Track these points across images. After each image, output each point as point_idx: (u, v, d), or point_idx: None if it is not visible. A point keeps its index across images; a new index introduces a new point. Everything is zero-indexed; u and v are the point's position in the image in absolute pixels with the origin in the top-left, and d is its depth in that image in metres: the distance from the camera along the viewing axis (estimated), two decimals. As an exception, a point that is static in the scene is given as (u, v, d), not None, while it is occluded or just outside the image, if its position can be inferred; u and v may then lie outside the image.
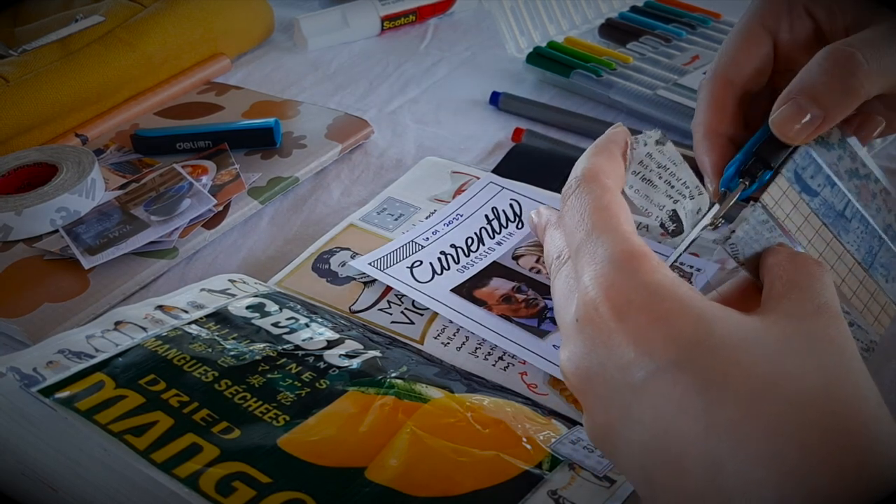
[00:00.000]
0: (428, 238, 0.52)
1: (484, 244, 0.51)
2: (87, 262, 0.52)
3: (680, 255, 0.36)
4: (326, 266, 0.51)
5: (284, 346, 0.41)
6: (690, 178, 0.37)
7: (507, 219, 0.53)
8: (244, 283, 0.49)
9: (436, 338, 0.45)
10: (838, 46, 0.36)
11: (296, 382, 0.38)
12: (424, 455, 0.35)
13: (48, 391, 0.36)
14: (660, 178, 0.36)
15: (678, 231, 0.37)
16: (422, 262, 0.50)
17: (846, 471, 0.25)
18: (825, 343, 0.29)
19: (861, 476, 0.25)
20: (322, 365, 0.40)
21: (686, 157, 0.38)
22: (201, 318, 0.43)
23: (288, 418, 0.36)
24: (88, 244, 0.54)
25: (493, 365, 0.43)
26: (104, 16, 0.73)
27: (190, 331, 0.41)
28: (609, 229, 0.31)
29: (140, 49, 0.71)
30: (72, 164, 0.59)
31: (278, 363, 0.39)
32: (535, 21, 0.78)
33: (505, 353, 0.44)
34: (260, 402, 0.37)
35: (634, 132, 0.37)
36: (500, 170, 0.59)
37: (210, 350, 0.40)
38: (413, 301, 0.48)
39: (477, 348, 0.44)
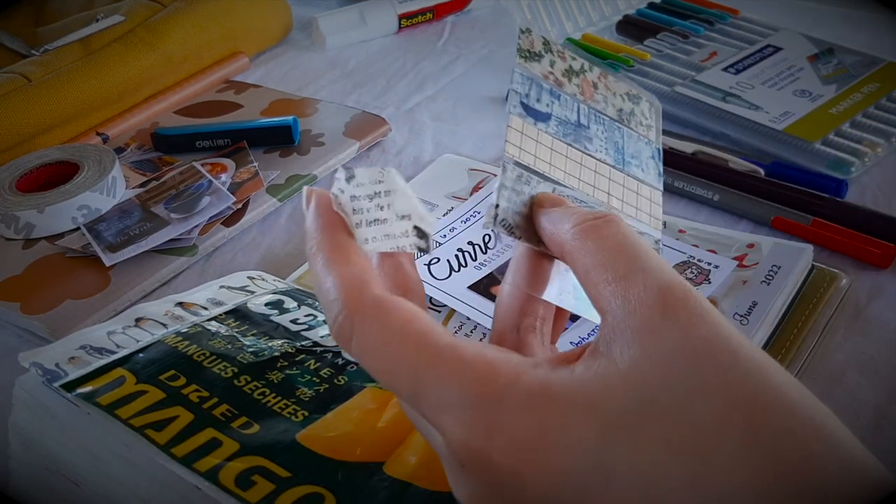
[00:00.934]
0: (445, 235, 0.52)
1: (501, 241, 0.51)
2: (108, 260, 0.53)
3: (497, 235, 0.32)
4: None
5: (303, 343, 0.41)
6: (403, 187, 0.30)
7: None
8: (263, 280, 0.49)
9: (454, 334, 0.45)
10: None
11: (314, 378, 0.38)
12: (442, 450, 0.35)
13: (70, 386, 0.36)
14: (381, 208, 0.30)
15: (427, 245, 0.30)
16: (439, 260, 0.50)
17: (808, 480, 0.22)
18: (690, 354, 0.24)
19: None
20: (340, 361, 0.40)
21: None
22: (220, 315, 0.43)
23: (307, 413, 0.36)
24: (109, 242, 0.54)
25: None
26: (125, 15, 0.73)
27: (209, 327, 0.42)
28: (433, 363, 0.26)
29: (160, 48, 0.72)
30: (93, 163, 0.60)
31: (297, 359, 0.40)
32: (552, 18, 0.77)
33: (522, 350, 0.44)
34: (279, 398, 0.37)
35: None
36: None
37: (229, 346, 0.40)
38: (430, 298, 0.48)
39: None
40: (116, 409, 0.35)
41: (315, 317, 0.44)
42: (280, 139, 0.65)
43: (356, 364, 0.40)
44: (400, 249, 0.30)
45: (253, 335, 0.41)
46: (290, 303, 0.45)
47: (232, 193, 0.58)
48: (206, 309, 0.44)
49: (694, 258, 0.48)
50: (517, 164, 0.31)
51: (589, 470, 0.24)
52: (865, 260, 0.51)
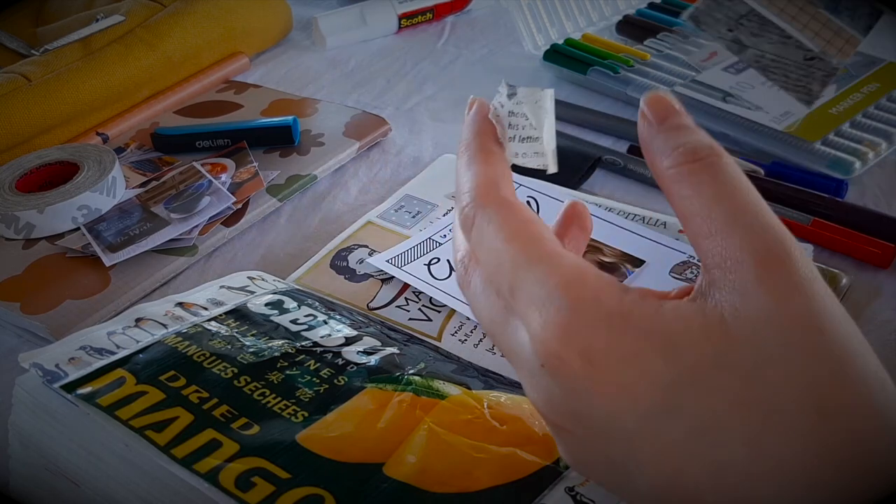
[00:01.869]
0: (445, 235, 0.52)
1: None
2: (108, 260, 0.53)
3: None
4: (344, 263, 0.52)
5: (303, 343, 0.41)
6: (553, 112, 0.32)
7: None
8: (263, 280, 0.49)
9: (453, 334, 0.45)
10: None
11: (314, 379, 0.38)
12: (442, 451, 0.35)
13: (70, 387, 0.36)
14: (534, 128, 0.32)
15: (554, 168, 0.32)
16: (439, 260, 0.50)
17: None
18: (778, 325, 0.24)
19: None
20: (340, 361, 0.40)
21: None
22: (221, 315, 0.43)
23: (306, 414, 0.36)
24: (109, 242, 0.54)
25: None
26: (125, 15, 0.73)
27: (209, 327, 0.42)
28: (534, 261, 0.27)
29: (160, 48, 0.72)
30: (93, 163, 0.60)
31: (297, 360, 0.40)
32: (552, 18, 0.77)
33: (522, 350, 0.44)
34: (279, 399, 0.37)
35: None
36: (516, 167, 0.59)
37: (229, 347, 0.40)
38: (431, 298, 0.48)
39: (494, 345, 0.44)
40: (116, 410, 0.35)
41: (315, 317, 0.44)
42: (280, 139, 0.65)
43: (356, 364, 0.40)
44: (543, 168, 0.32)
45: (253, 335, 0.41)
46: (290, 303, 0.45)
47: (232, 193, 0.58)
48: (206, 309, 0.44)
49: (694, 258, 0.48)
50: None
51: (656, 403, 0.25)
52: (865, 260, 0.51)
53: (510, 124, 0.33)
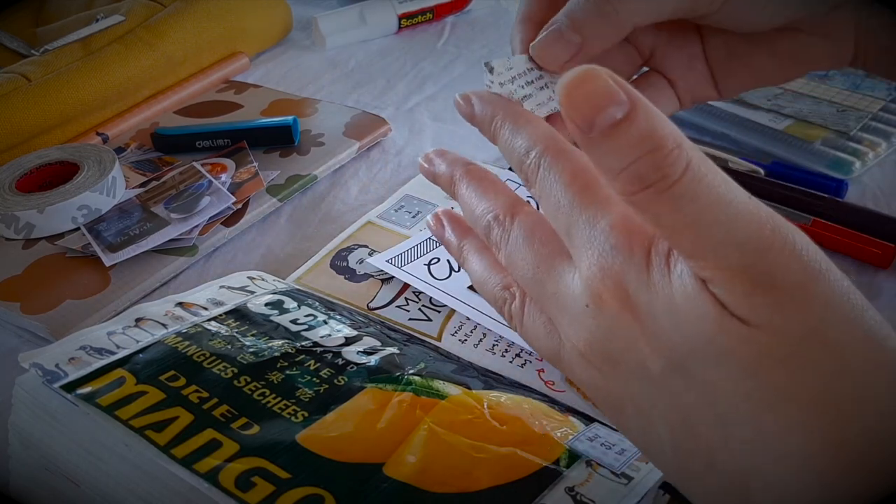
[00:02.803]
0: None
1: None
2: (108, 260, 0.53)
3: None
4: (344, 263, 0.52)
5: (303, 343, 0.41)
6: (530, 64, 0.36)
7: None
8: (263, 280, 0.49)
9: (453, 335, 0.45)
10: None
11: (314, 379, 0.38)
12: (442, 451, 0.35)
13: (70, 387, 0.36)
14: (523, 86, 0.35)
15: None
16: (439, 260, 0.50)
17: None
18: (796, 342, 0.24)
19: None
20: (340, 361, 0.40)
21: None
22: (221, 315, 0.43)
23: (306, 414, 0.36)
24: (109, 242, 0.54)
25: (511, 362, 0.43)
26: (125, 15, 0.73)
27: (209, 327, 0.42)
28: (589, 203, 0.28)
29: (160, 48, 0.72)
30: (93, 163, 0.60)
31: (297, 360, 0.40)
32: (552, 18, 0.77)
33: (522, 350, 0.44)
34: (279, 399, 0.37)
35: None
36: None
37: (229, 347, 0.40)
38: (431, 298, 0.48)
39: (494, 345, 0.44)
40: (116, 410, 0.35)
41: (315, 317, 0.44)
42: (280, 139, 0.65)
43: (356, 364, 0.40)
44: (553, 111, 0.35)
45: (253, 335, 0.41)
46: (290, 303, 0.45)
47: (232, 193, 0.58)
48: (206, 309, 0.44)
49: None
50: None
51: (672, 360, 0.26)
52: (865, 260, 0.51)
53: (509, 93, 0.34)
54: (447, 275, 0.49)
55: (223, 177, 0.60)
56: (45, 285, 0.52)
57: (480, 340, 0.45)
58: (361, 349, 0.41)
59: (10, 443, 0.38)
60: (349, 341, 0.42)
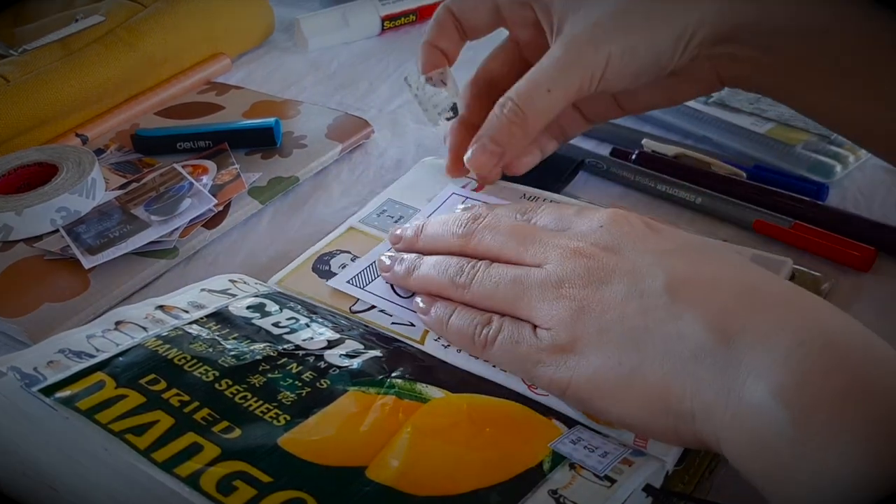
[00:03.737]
0: None
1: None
2: (87, 262, 0.52)
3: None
4: (326, 267, 0.51)
5: (285, 346, 0.41)
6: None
7: None
8: (244, 283, 0.49)
9: (436, 339, 0.45)
10: (510, 99, 0.48)
11: (296, 382, 0.38)
12: (425, 454, 0.35)
13: (49, 391, 0.36)
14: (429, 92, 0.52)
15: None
16: None
17: None
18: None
19: None
20: (323, 365, 0.40)
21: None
22: (202, 318, 0.43)
23: (289, 418, 0.36)
24: (89, 244, 0.54)
25: (494, 365, 0.43)
26: (104, 16, 0.73)
27: (190, 331, 0.41)
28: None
29: (140, 49, 0.72)
30: (72, 164, 0.59)
31: (279, 363, 0.39)
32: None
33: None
34: (260, 402, 0.37)
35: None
36: (506, 177, 0.59)
37: (211, 350, 0.40)
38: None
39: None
40: (96, 414, 0.35)
41: (297, 320, 0.44)
42: (262, 141, 0.64)
43: (339, 368, 0.39)
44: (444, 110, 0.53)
45: (234, 339, 0.41)
46: (271, 306, 0.45)
47: (213, 196, 0.57)
48: (187, 312, 0.44)
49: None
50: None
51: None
52: (846, 263, 0.51)
53: (420, 101, 0.53)
54: (411, 293, 0.48)
55: (204, 179, 0.60)
56: (23, 288, 0.51)
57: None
58: (344, 352, 0.41)
59: (-13, 447, 0.37)
60: (331, 344, 0.42)
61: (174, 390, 0.37)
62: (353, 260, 0.51)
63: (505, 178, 0.55)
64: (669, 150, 0.61)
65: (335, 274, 0.50)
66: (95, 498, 0.34)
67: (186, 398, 0.36)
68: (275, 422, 0.35)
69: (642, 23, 0.46)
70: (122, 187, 0.60)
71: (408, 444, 0.35)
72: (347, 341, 0.42)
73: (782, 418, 0.30)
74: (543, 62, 0.48)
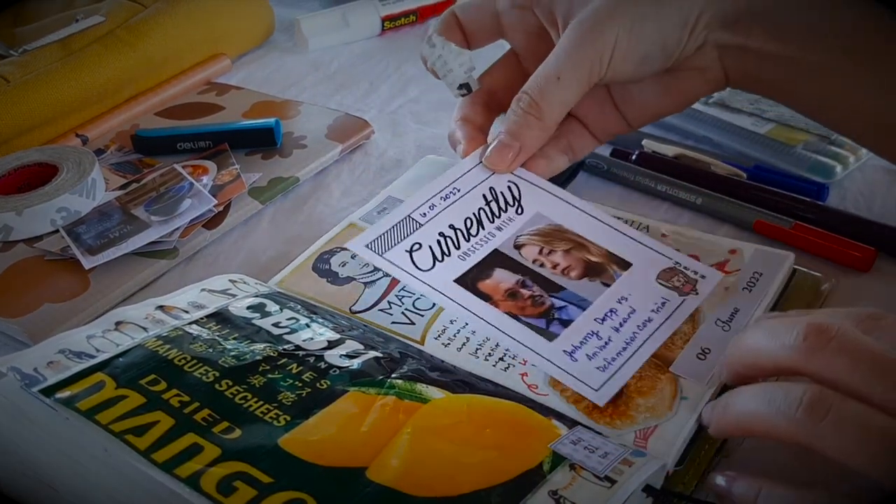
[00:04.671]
0: (425, 214, 0.49)
1: (483, 228, 0.49)
2: (87, 263, 0.52)
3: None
4: (327, 266, 0.51)
5: (285, 347, 0.41)
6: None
7: (507, 202, 0.51)
8: (245, 283, 0.49)
9: (436, 338, 0.45)
10: (524, 93, 0.49)
11: (297, 382, 0.38)
12: (425, 455, 0.35)
13: (49, 391, 0.36)
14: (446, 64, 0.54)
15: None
16: (421, 246, 0.48)
17: None
18: None
19: None
20: (323, 365, 0.40)
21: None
22: (202, 319, 0.43)
23: (289, 418, 0.36)
24: (89, 244, 0.54)
25: (494, 365, 0.43)
26: (105, 16, 0.73)
27: (191, 331, 0.41)
28: None
29: (141, 49, 0.71)
30: (72, 165, 0.59)
31: (279, 363, 0.39)
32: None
33: (505, 354, 0.44)
34: (261, 402, 0.37)
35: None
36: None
37: (211, 350, 0.40)
38: (414, 301, 0.48)
39: (478, 349, 0.44)
40: (96, 415, 0.35)
41: (297, 320, 0.44)
42: (262, 141, 0.64)
43: (339, 368, 0.39)
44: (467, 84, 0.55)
45: (234, 339, 0.41)
46: (272, 306, 0.45)
47: (213, 196, 0.57)
48: (187, 312, 0.44)
49: (681, 265, 0.47)
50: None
51: None
52: (846, 264, 0.51)
53: (442, 64, 0.54)
54: (431, 265, 0.47)
55: (204, 179, 0.60)
56: (24, 288, 0.51)
57: (464, 344, 0.45)
58: (344, 353, 0.41)
59: (-13, 448, 0.37)
60: (332, 345, 0.42)
61: (174, 391, 0.37)
62: (353, 258, 0.51)
63: None
64: (669, 150, 0.61)
65: (335, 273, 0.50)
66: (95, 498, 0.34)
67: (187, 399, 0.36)
68: (275, 422, 0.35)
69: (649, 5, 0.46)
70: (122, 187, 0.60)
71: (408, 444, 0.35)
72: (348, 341, 0.42)
73: None
74: (552, 54, 0.48)
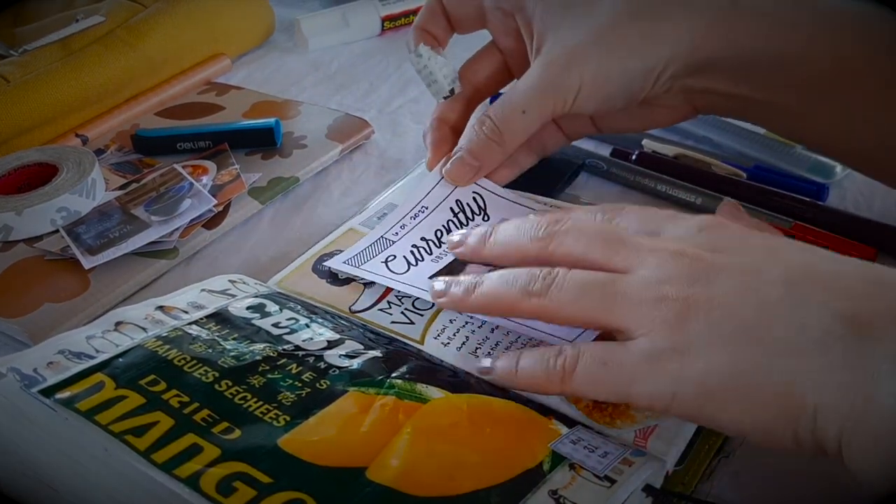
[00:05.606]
0: (397, 233, 0.52)
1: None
2: (87, 263, 0.52)
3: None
4: (326, 267, 0.51)
5: (285, 347, 0.41)
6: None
7: (473, 212, 0.53)
8: (244, 283, 0.49)
9: (436, 338, 0.45)
10: (488, 117, 0.50)
11: (296, 383, 0.38)
12: (425, 455, 0.35)
13: (49, 392, 0.36)
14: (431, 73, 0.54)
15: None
16: (395, 257, 0.50)
17: None
18: None
19: None
20: (322, 365, 0.40)
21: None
22: (202, 319, 0.43)
23: (288, 418, 0.36)
24: (89, 244, 0.54)
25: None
26: (105, 16, 0.73)
27: (190, 331, 0.41)
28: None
29: (141, 49, 0.71)
30: (72, 165, 0.59)
31: (279, 363, 0.39)
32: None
33: (506, 353, 0.44)
34: (260, 403, 0.37)
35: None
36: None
37: (210, 350, 0.40)
38: (413, 301, 0.48)
39: (477, 348, 0.44)
40: (95, 415, 0.35)
41: (297, 320, 0.44)
42: (262, 141, 0.64)
43: (338, 368, 0.39)
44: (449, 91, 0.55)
45: (234, 339, 0.41)
46: (271, 306, 0.45)
47: (213, 196, 0.57)
48: (186, 312, 0.44)
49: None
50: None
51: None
52: (846, 263, 0.51)
53: (429, 73, 0.54)
54: (405, 269, 0.49)
55: (204, 179, 0.60)
56: (23, 288, 0.51)
57: (464, 343, 0.45)
58: (344, 353, 0.41)
59: (-13, 448, 0.37)
60: (331, 345, 0.42)
61: (174, 391, 0.37)
62: (345, 262, 0.51)
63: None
64: (669, 150, 0.61)
65: (335, 273, 0.50)
66: (95, 498, 0.34)
67: (186, 399, 0.36)
68: (275, 422, 0.35)
69: (616, 53, 0.47)
70: (122, 187, 0.60)
71: (408, 444, 0.35)
72: (347, 342, 0.42)
73: None
74: (520, 84, 0.50)
